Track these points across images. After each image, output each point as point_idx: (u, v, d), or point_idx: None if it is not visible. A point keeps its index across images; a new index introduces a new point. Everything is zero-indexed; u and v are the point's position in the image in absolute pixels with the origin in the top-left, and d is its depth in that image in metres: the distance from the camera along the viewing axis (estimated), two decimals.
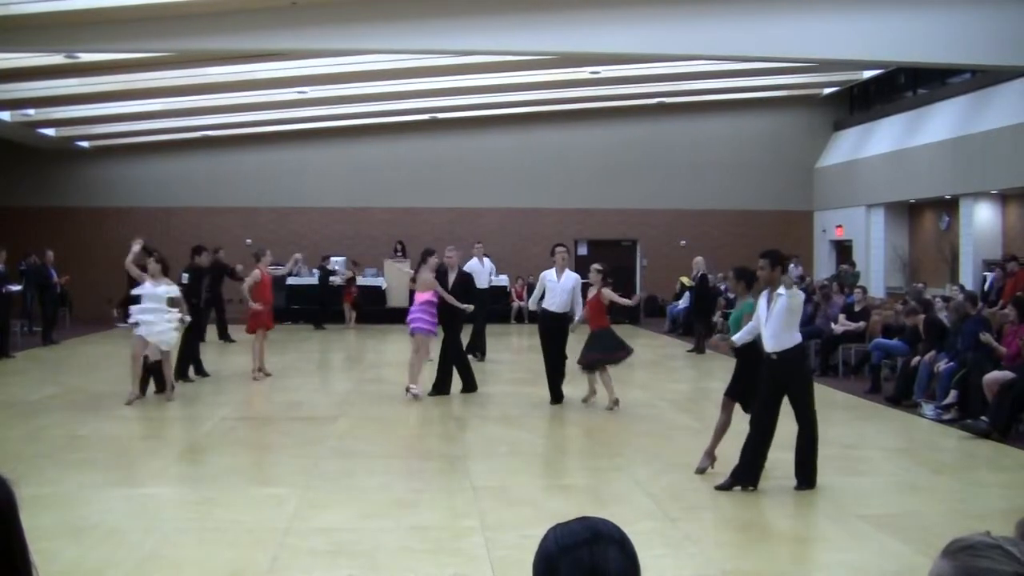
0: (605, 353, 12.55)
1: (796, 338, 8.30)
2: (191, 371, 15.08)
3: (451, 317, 13.59)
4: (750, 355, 8.63)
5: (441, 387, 13.50)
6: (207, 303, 17.22)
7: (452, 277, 14.01)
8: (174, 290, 13.04)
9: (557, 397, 13.05)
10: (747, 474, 8.23)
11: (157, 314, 12.64)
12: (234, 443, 10.78)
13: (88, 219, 26.71)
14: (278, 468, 9.46)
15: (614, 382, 12.62)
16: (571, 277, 13.07)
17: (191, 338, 14.89)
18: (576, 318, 13.14)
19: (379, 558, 6.48)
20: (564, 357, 13.10)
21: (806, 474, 8.29)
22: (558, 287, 12.98)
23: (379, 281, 25.75)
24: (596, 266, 12.96)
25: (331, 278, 24.63)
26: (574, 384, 13.33)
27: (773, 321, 8.20)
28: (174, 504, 8.00)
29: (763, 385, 8.32)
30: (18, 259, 21.98)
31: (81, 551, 6.45)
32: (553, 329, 13.09)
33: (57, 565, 5.95)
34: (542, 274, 13.37)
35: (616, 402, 12.50)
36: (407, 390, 13.20)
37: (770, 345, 8.22)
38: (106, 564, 6.25)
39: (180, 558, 6.43)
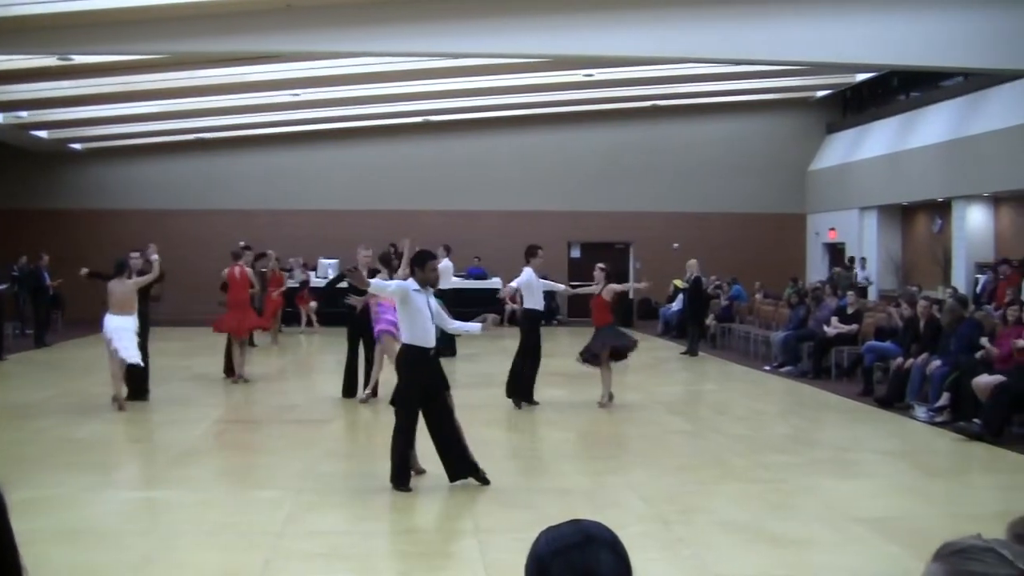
0: (607, 345, 12.61)
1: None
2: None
3: None
4: None
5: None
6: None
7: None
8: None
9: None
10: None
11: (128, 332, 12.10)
12: (228, 446, 10.79)
13: (81, 221, 26.63)
14: (272, 471, 9.45)
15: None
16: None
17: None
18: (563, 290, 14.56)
19: (372, 561, 6.48)
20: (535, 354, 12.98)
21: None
22: (538, 286, 12.82)
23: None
24: (600, 265, 13.26)
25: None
26: (582, 385, 13.33)
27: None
28: (169, 507, 8.00)
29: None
30: (10, 261, 21.93)
31: (76, 554, 6.45)
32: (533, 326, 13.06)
33: (51, 568, 5.92)
34: (528, 272, 12.83)
35: (611, 397, 12.74)
36: None
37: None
38: (101, 567, 6.24)
39: (175, 561, 6.43)
